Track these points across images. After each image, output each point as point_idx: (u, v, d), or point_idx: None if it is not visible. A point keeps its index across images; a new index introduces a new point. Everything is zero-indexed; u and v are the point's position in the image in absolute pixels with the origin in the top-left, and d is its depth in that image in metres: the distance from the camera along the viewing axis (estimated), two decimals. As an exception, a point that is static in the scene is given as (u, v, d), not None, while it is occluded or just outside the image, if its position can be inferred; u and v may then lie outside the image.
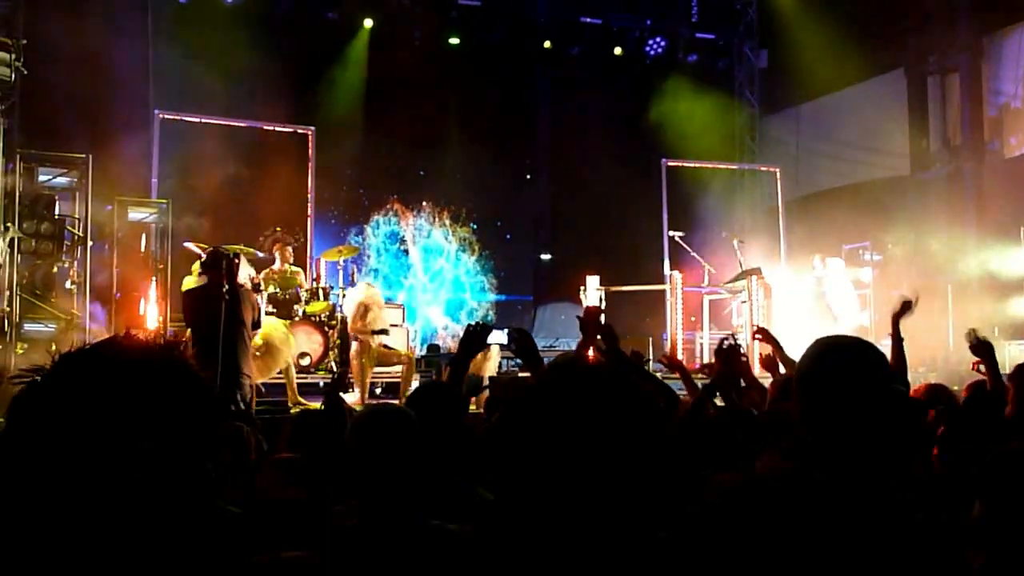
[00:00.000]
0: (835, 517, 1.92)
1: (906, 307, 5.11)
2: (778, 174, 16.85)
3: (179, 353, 1.29)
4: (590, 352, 4.59)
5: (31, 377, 1.21)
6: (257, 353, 9.26)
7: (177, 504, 1.21)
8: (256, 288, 7.95)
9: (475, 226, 16.48)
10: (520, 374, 10.35)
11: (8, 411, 1.19)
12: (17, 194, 9.91)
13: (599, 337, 4.63)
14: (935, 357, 12.58)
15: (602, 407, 1.60)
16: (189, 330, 7.99)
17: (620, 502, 1.57)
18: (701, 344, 13.39)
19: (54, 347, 7.86)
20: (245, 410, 7.18)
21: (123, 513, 1.16)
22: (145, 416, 1.19)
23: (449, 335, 14.77)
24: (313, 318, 11.31)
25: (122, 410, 1.18)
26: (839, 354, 2.24)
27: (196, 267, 8.26)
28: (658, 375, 6.11)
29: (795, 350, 4.72)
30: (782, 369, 5.51)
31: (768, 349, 5.81)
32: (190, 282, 8.25)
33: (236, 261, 7.41)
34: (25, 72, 9.84)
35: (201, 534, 1.24)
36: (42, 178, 10.64)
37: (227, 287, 7.17)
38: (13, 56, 9.16)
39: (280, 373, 9.69)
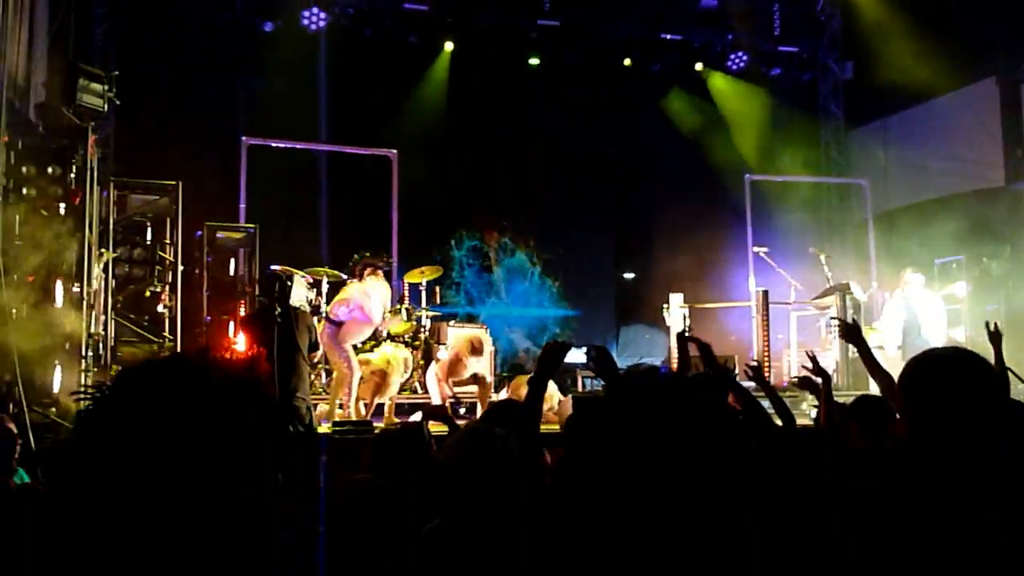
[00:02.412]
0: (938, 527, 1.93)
1: None
2: (866, 187, 16.52)
3: (249, 371, 1.29)
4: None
5: (94, 392, 1.23)
6: (375, 378, 9.59)
7: (224, 525, 1.21)
8: (316, 310, 7.98)
9: (560, 250, 16.48)
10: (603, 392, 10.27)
11: (74, 425, 1.22)
12: (111, 221, 10.20)
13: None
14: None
15: (671, 418, 1.58)
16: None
17: (690, 505, 1.54)
18: (788, 362, 13.13)
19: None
20: (305, 432, 7.18)
21: (176, 527, 1.17)
22: (202, 431, 1.20)
23: (530, 358, 14.74)
24: (397, 338, 11.39)
25: (178, 424, 1.19)
26: (942, 363, 2.26)
27: None
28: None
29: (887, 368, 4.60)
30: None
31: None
32: None
33: (289, 284, 7.44)
34: (118, 103, 10.14)
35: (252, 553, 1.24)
36: (135, 205, 10.95)
37: (279, 310, 7.19)
38: (106, 87, 9.42)
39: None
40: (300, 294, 7.67)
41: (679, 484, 1.57)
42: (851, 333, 4.88)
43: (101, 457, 1.17)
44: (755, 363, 5.70)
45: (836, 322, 5.15)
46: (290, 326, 7.31)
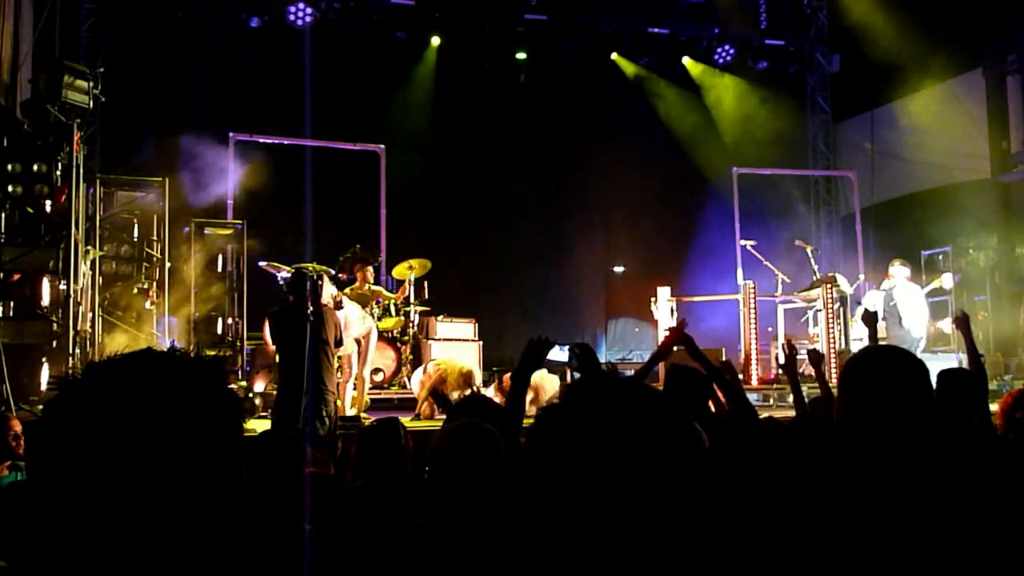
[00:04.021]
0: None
1: None
2: (854, 180, 16.58)
3: (211, 367, 1.31)
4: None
5: (60, 384, 1.25)
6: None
7: (192, 512, 1.22)
8: (338, 306, 8.10)
9: (549, 244, 16.48)
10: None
11: (40, 416, 1.24)
12: (98, 217, 10.17)
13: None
14: (1022, 363, 12.24)
15: (626, 423, 1.57)
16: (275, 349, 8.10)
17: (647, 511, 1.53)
18: (776, 354, 13.14)
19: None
20: (330, 425, 7.36)
21: (133, 518, 1.18)
22: (161, 424, 1.21)
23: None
24: (386, 334, 11.39)
25: (139, 416, 1.21)
26: (874, 361, 2.33)
27: None
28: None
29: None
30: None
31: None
32: None
33: (320, 282, 7.57)
34: (104, 99, 10.11)
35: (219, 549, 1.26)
36: (121, 201, 10.91)
37: (311, 308, 7.34)
38: (91, 84, 9.39)
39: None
40: (328, 292, 7.82)
41: (661, 483, 1.57)
42: (872, 321, 5.31)
43: (64, 449, 1.19)
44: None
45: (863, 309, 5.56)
46: (321, 324, 7.45)
